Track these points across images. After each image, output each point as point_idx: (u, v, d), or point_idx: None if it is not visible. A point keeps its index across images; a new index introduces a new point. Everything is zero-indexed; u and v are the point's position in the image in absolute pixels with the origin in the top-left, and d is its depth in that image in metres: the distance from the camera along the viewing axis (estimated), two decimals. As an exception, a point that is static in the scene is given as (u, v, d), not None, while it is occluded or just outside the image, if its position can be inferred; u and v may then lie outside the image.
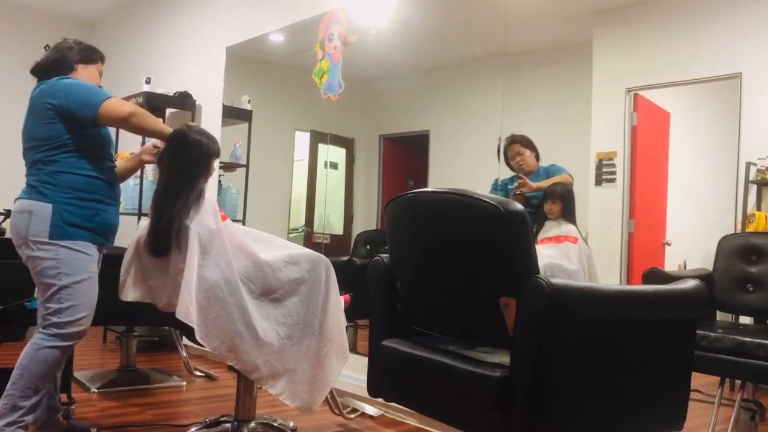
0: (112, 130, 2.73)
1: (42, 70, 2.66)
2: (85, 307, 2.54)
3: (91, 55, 2.74)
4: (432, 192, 1.93)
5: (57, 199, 2.50)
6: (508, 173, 3.43)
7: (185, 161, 2.58)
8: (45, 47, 2.76)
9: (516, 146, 3.36)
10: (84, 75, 2.67)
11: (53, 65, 2.65)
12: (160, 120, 2.86)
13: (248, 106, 4.93)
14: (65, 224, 2.49)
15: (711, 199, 3.19)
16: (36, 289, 2.60)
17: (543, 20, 3.52)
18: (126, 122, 2.56)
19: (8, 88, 5.88)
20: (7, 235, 2.65)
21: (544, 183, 3.23)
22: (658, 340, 1.82)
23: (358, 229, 4.58)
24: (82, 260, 2.53)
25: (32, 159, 2.57)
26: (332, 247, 4.56)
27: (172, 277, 2.52)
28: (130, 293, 2.63)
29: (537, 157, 3.34)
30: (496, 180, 3.41)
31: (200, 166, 2.60)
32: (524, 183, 3.24)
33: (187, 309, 2.41)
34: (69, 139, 2.52)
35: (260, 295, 2.59)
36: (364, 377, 2.17)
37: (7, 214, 4.34)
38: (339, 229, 4.75)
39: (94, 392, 3.59)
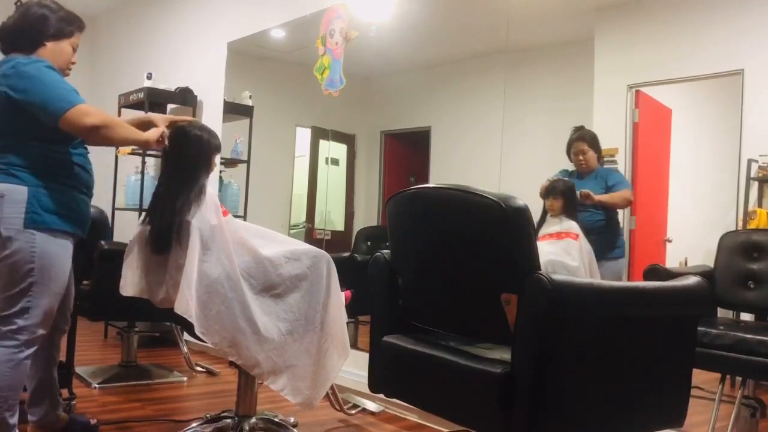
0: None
1: (5, 40, 2.37)
2: (52, 308, 2.33)
3: (66, 28, 2.42)
4: (433, 188, 1.93)
5: (32, 182, 2.25)
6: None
7: (186, 157, 2.58)
8: (16, 3, 2.46)
9: (582, 144, 3.23)
10: (52, 52, 2.37)
11: (19, 38, 2.35)
12: (133, 128, 2.49)
13: (249, 102, 4.92)
14: (43, 210, 2.25)
15: (712, 196, 3.19)
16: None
17: (545, 16, 3.51)
18: (90, 135, 2.30)
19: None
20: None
21: (606, 198, 3.11)
22: (659, 337, 1.82)
23: (359, 225, 4.58)
24: (57, 253, 2.30)
25: None
26: (333, 243, 4.56)
27: (170, 272, 2.51)
28: (129, 288, 2.63)
29: (599, 158, 3.22)
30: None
31: (201, 161, 2.60)
32: (587, 195, 3.10)
33: (187, 304, 2.41)
34: (38, 129, 2.26)
35: (261, 291, 2.59)
36: (365, 373, 2.18)
37: None
38: (340, 226, 4.75)
39: (95, 387, 3.60)
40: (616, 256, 3.13)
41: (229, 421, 2.87)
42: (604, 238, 3.15)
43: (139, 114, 2.78)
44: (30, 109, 2.24)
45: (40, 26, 2.37)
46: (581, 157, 3.24)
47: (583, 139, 3.23)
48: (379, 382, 2.13)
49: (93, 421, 2.83)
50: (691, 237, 3.23)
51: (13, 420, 2.30)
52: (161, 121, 2.63)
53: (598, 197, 3.11)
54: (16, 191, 2.24)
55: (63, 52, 2.42)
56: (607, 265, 3.10)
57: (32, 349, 2.31)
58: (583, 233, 3.06)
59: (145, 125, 2.71)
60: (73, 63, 2.49)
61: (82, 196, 2.42)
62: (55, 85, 2.25)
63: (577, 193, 3.14)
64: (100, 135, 2.30)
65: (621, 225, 3.17)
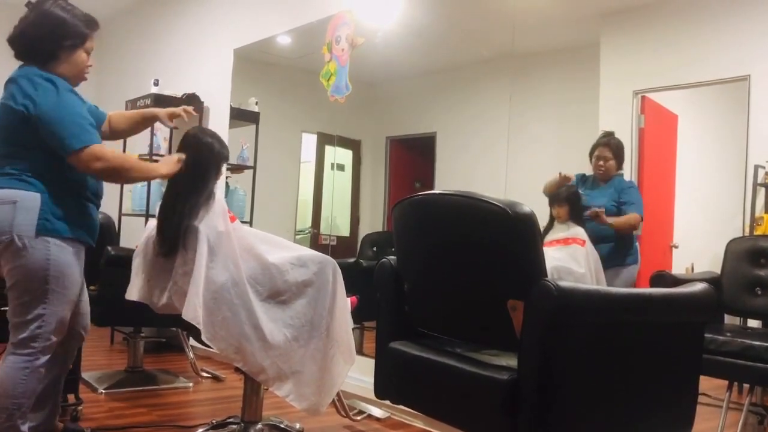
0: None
1: (19, 47, 2.32)
2: (66, 315, 2.33)
3: (81, 35, 2.35)
4: (440, 194, 1.93)
5: (44, 189, 2.24)
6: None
7: (197, 163, 2.58)
8: (27, 4, 2.33)
9: (607, 151, 3.16)
10: (68, 64, 2.34)
11: (34, 47, 2.30)
12: (145, 167, 2.53)
13: (256, 108, 4.94)
14: (55, 218, 2.24)
15: (718, 202, 3.18)
16: (9, 295, 2.29)
17: (550, 22, 3.52)
18: (98, 176, 2.34)
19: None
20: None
21: (616, 222, 3.05)
22: (666, 344, 1.82)
23: (364, 230, 4.58)
24: (70, 262, 2.30)
25: (5, 151, 2.29)
26: (339, 248, 4.57)
27: (175, 278, 2.52)
28: (134, 293, 2.66)
29: (619, 165, 3.18)
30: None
31: (211, 168, 2.61)
32: (597, 216, 3.03)
33: (195, 310, 2.42)
34: (48, 145, 2.26)
35: (267, 297, 2.60)
36: (371, 379, 2.17)
37: None
38: (345, 231, 4.75)
39: (101, 393, 3.60)
40: (629, 263, 3.11)
41: (234, 426, 2.87)
42: (618, 244, 3.13)
43: (142, 111, 2.79)
44: (45, 136, 2.24)
45: (55, 34, 2.31)
46: (601, 163, 3.19)
47: (608, 145, 3.18)
48: (384, 388, 2.13)
49: (87, 431, 2.80)
50: (697, 243, 3.22)
51: (25, 427, 2.31)
52: (164, 115, 2.66)
53: (610, 221, 3.04)
54: (29, 198, 2.22)
55: (78, 62, 2.38)
56: (620, 272, 3.09)
57: (47, 357, 2.31)
58: (590, 240, 3.06)
59: (150, 121, 2.75)
60: (88, 66, 2.45)
61: (90, 204, 2.41)
62: (71, 120, 2.24)
63: (587, 211, 3.09)
64: (108, 178, 2.38)
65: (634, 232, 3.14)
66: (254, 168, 4.88)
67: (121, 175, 2.40)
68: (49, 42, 2.31)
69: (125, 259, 2.72)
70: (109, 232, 3.77)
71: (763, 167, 2.83)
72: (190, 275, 2.45)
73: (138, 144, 4.84)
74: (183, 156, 2.57)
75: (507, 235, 1.69)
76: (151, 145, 4.95)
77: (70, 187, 2.32)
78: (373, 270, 2.18)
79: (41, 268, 2.23)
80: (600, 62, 3.27)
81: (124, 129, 2.73)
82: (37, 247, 2.22)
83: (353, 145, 4.75)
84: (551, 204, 3.19)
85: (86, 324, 2.62)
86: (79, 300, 2.49)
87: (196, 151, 2.59)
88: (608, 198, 3.15)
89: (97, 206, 2.47)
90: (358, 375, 3.37)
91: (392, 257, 2.13)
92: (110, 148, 2.32)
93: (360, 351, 3.53)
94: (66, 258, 2.28)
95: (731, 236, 2.89)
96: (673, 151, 3.32)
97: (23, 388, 2.25)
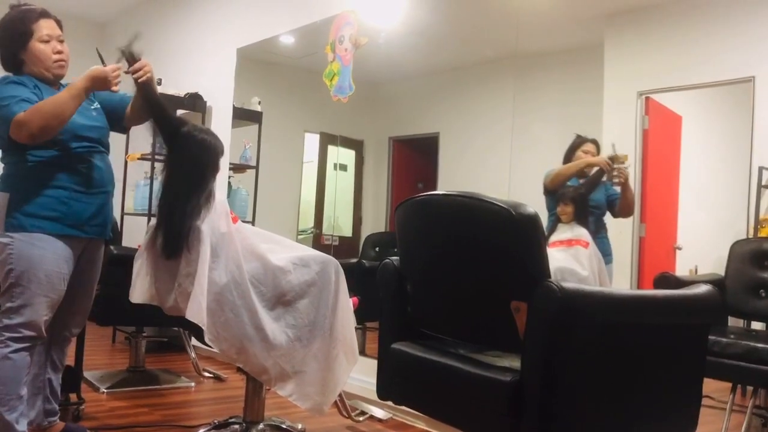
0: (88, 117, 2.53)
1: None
2: (38, 309, 2.35)
3: (22, 31, 2.40)
4: (443, 195, 1.93)
5: (15, 188, 2.35)
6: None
7: (192, 161, 2.53)
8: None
9: (594, 147, 3.26)
10: (31, 62, 2.42)
11: (4, 64, 2.46)
12: (60, 95, 2.32)
13: (258, 108, 4.94)
14: (21, 214, 2.33)
15: (723, 204, 3.17)
16: None
17: (554, 23, 3.51)
18: (36, 141, 2.30)
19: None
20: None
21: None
22: (670, 346, 1.81)
23: (367, 231, 4.58)
24: (39, 255, 2.33)
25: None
26: (341, 249, 4.56)
27: (179, 280, 2.49)
28: (139, 295, 2.62)
29: None
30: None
31: (208, 165, 2.55)
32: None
33: (199, 310, 2.41)
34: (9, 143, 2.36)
35: (270, 298, 2.59)
36: (373, 380, 2.17)
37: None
38: (348, 231, 4.75)
39: (103, 392, 3.60)
40: (607, 263, 3.14)
41: (236, 427, 2.87)
42: (605, 242, 3.16)
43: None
44: None
45: (4, 41, 2.42)
46: (590, 157, 3.24)
47: (594, 143, 3.24)
48: (387, 389, 2.12)
49: None
50: (701, 245, 3.21)
51: (11, 416, 2.31)
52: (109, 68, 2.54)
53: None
54: (1, 198, 2.35)
55: (37, 54, 2.42)
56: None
57: (20, 346, 2.34)
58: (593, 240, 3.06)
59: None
60: (58, 53, 2.46)
61: (76, 194, 2.43)
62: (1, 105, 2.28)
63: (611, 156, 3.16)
64: (47, 135, 2.28)
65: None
66: (257, 168, 4.88)
67: (49, 123, 2.24)
68: (7, 51, 2.43)
69: (127, 258, 2.71)
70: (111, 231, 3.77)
71: (767, 169, 2.82)
72: (193, 276, 2.44)
73: (140, 146, 4.84)
74: (120, 67, 2.44)
75: (510, 236, 1.68)
76: (153, 144, 4.94)
77: (45, 182, 2.37)
78: (376, 270, 2.17)
79: (5, 262, 2.32)
80: (604, 63, 3.26)
81: (136, 109, 2.66)
82: (5, 242, 2.33)
83: (356, 145, 4.74)
84: (557, 202, 3.18)
85: (76, 324, 2.66)
86: (72, 298, 2.51)
87: (189, 149, 2.53)
88: (602, 192, 3.20)
89: (89, 195, 2.47)
90: (360, 376, 3.37)
91: (395, 258, 2.12)
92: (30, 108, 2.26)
93: (362, 352, 3.52)
94: (31, 252, 2.33)
95: (735, 238, 2.88)
96: (677, 153, 3.31)
97: (5, 374, 2.30)
